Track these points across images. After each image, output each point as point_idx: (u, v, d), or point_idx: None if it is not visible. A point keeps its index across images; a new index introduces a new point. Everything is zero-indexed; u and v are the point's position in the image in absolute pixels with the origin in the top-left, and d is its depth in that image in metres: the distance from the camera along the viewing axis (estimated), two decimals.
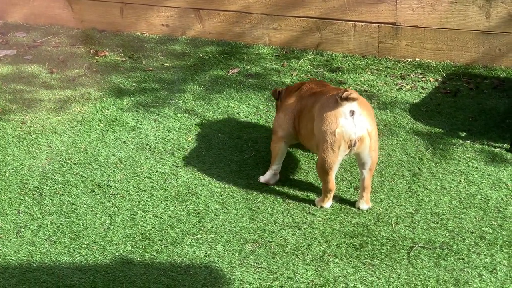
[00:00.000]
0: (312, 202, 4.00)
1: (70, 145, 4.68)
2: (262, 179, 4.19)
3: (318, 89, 4.07)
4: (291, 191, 4.11)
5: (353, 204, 3.97)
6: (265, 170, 4.26)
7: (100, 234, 3.86)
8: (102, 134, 4.80)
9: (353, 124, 3.69)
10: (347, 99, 3.67)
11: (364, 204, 3.94)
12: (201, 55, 5.84)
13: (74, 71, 5.71)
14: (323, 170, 3.82)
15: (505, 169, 4.17)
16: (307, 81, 4.45)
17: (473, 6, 5.24)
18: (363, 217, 3.86)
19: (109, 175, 4.36)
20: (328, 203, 3.95)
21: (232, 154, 4.49)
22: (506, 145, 4.37)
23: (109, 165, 4.45)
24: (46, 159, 4.54)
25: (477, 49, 5.36)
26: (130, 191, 4.20)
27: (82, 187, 4.26)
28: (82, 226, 3.94)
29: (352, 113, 3.69)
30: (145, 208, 4.05)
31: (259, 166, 4.35)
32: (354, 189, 4.08)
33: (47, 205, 4.11)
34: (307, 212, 3.94)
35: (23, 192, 4.24)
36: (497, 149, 4.36)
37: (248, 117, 4.87)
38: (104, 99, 5.24)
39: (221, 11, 5.98)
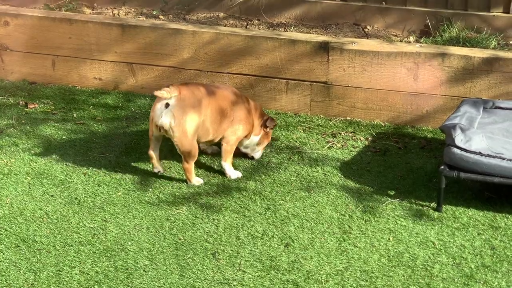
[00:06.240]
0: (243, 259, 3.97)
1: None
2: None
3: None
4: (221, 247, 4.08)
5: (284, 261, 3.96)
6: (198, 227, 4.24)
7: None
8: (29, 187, 4.69)
9: (160, 113, 4.51)
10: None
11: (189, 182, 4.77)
12: (133, 109, 5.82)
13: (2, 122, 5.59)
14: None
15: (432, 228, 4.24)
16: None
17: (402, 68, 5.40)
18: (293, 274, 3.85)
19: (35, 229, 4.25)
20: (155, 169, 4.83)
21: (163, 209, 4.44)
22: (433, 204, 4.46)
23: (35, 220, 4.34)
24: None
25: (405, 109, 5.50)
26: (56, 246, 4.10)
27: (6, 241, 4.13)
28: (5, 282, 3.80)
29: (167, 105, 4.49)
30: (71, 263, 3.95)
31: (190, 220, 4.31)
32: (284, 246, 4.08)
33: None
34: (237, 268, 3.91)
35: None
36: (424, 208, 4.44)
37: (179, 173, 4.84)
38: (33, 151, 5.14)
39: (154, 66, 6.00)
